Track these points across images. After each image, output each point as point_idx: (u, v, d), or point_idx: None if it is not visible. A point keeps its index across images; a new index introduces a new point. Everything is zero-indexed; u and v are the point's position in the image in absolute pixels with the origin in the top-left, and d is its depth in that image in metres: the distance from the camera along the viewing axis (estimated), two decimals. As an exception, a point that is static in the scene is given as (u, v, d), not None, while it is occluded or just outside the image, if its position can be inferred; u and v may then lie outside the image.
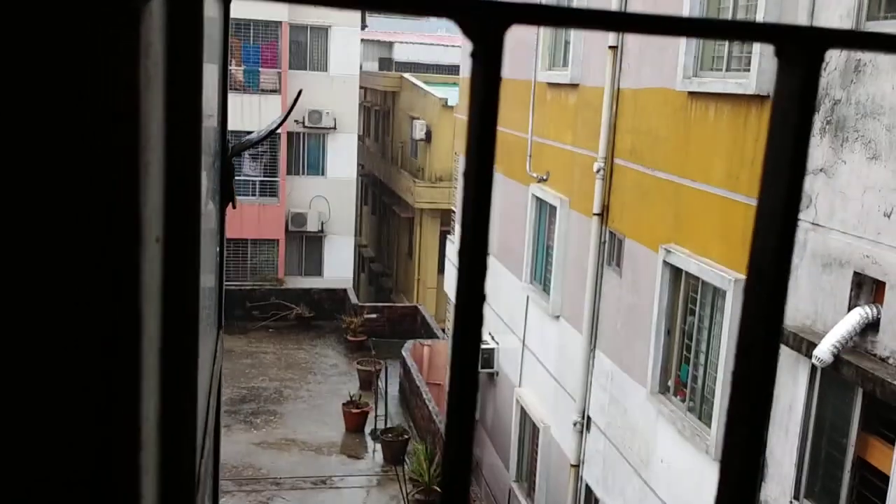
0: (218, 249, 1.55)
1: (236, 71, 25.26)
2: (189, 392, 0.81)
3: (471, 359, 0.56)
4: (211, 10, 1.24)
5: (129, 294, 0.48)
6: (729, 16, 7.95)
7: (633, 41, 9.76)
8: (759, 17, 7.17)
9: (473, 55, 0.51)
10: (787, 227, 0.55)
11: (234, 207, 1.64)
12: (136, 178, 0.48)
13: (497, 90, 0.51)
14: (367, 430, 17.52)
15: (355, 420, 17.49)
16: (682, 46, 8.39)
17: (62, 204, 0.47)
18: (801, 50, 0.53)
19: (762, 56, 7.14)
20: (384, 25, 43.69)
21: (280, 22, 25.22)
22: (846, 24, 6.20)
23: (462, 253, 0.49)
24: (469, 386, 0.53)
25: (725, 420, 0.60)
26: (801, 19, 6.61)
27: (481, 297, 0.53)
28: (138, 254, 0.48)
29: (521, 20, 0.50)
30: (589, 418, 10.74)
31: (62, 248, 0.47)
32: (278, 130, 25.19)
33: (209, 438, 1.22)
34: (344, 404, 17.75)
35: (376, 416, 17.41)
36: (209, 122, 1.40)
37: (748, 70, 7.45)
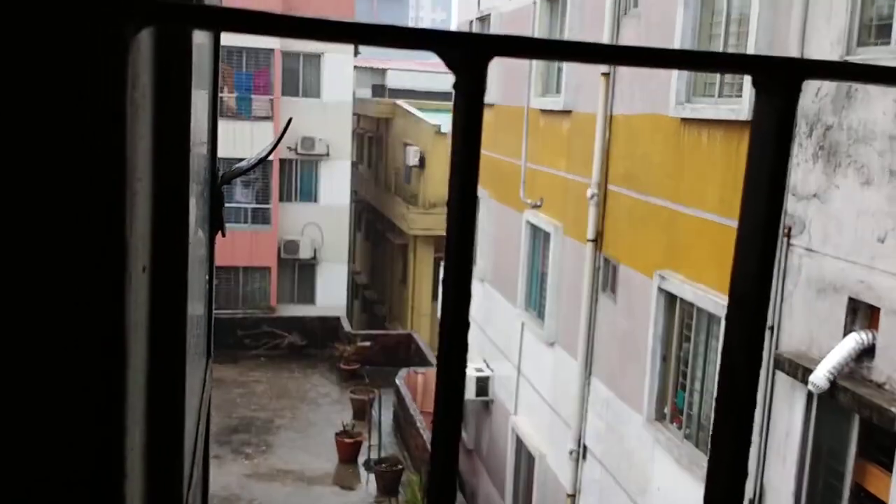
0: (207, 277, 1.55)
1: (228, 98, 25.37)
2: (176, 423, 0.80)
3: (456, 384, 0.56)
4: (200, 37, 1.25)
5: (113, 324, 0.48)
6: (721, 42, 8.04)
7: (626, 68, 9.85)
8: (751, 43, 7.25)
9: (456, 87, 0.52)
10: (765, 253, 0.56)
11: (223, 236, 1.64)
12: (122, 207, 0.48)
13: (479, 121, 0.51)
14: (361, 460, 17.37)
15: (348, 450, 17.34)
16: (675, 73, 8.47)
17: (47, 233, 0.47)
18: (778, 81, 0.54)
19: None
20: (377, 52, 44.01)
21: (273, 49, 25.39)
22: (836, 50, 6.27)
23: (446, 283, 0.50)
24: (454, 412, 0.53)
25: (710, 443, 0.60)
26: (792, 45, 6.69)
27: (465, 324, 0.53)
28: (124, 284, 0.48)
29: (501, 52, 0.51)
30: (585, 446, 10.68)
31: (46, 278, 0.48)
32: (270, 157, 25.26)
33: (197, 468, 1.21)
34: (337, 434, 17.61)
35: (370, 446, 17.27)
36: (199, 149, 1.40)
37: (740, 96, 7.52)
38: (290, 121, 3.06)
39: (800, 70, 0.55)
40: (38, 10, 0.45)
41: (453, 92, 0.52)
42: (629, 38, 9.73)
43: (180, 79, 0.68)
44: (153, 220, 0.69)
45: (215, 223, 1.52)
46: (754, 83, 0.57)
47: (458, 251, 0.50)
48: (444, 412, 0.56)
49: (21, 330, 0.48)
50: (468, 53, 0.50)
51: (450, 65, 0.51)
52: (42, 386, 0.48)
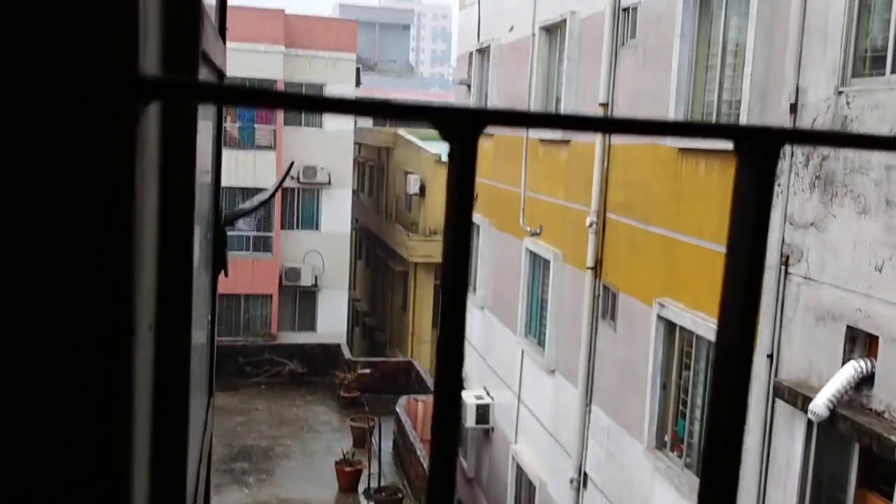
0: (209, 317, 1.57)
1: (232, 128, 25.53)
2: (178, 478, 0.82)
3: (453, 412, 0.58)
4: (206, 76, 1.29)
5: (119, 388, 0.50)
6: (717, 72, 8.11)
7: (623, 97, 9.93)
8: (747, 73, 7.32)
9: (450, 156, 0.54)
10: (748, 313, 0.58)
11: (226, 276, 1.66)
12: (130, 272, 0.51)
13: (472, 188, 0.54)
14: (361, 488, 17.24)
15: (348, 478, 17.23)
16: (672, 102, 8.55)
17: (58, 299, 0.50)
18: (758, 147, 0.57)
19: (750, 112, 7.28)
20: (378, 83, 44.36)
21: (276, 80, 25.60)
22: (832, 81, 6.33)
23: (439, 348, 0.52)
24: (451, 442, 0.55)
25: (700, 471, 0.62)
26: (788, 76, 6.75)
27: (459, 386, 0.55)
28: (131, 346, 0.50)
29: (493, 122, 0.53)
30: (585, 475, 10.62)
31: (55, 339, 0.50)
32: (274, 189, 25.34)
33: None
34: (337, 462, 17.50)
35: (370, 474, 17.15)
36: (203, 191, 1.43)
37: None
38: (291, 164, 3.10)
39: (779, 137, 0.58)
40: (53, 84, 0.48)
41: (447, 160, 0.55)
42: (627, 67, 9.83)
43: (186, 143, 0.70)
44: (158, 278, 0.71)
45: (218, 263, 1.55)
46: (735, 149, 0.59)
47: (451, 318, 0.52)
48: (441, 438, 0.58)
49: (28, 391, 0.50)
50: (461, 125, 0.53)
51: (444, 135, 0.54)
52: (43, 452, 0.49)
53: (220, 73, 1.51)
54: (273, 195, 3.01)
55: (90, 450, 0.48)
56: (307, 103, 0.51)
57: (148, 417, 0.65)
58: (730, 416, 0.59)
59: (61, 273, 0.49)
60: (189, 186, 0.71)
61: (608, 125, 0.53)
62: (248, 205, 2.55)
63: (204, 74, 1.04)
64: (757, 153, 0.57)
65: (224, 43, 1.55)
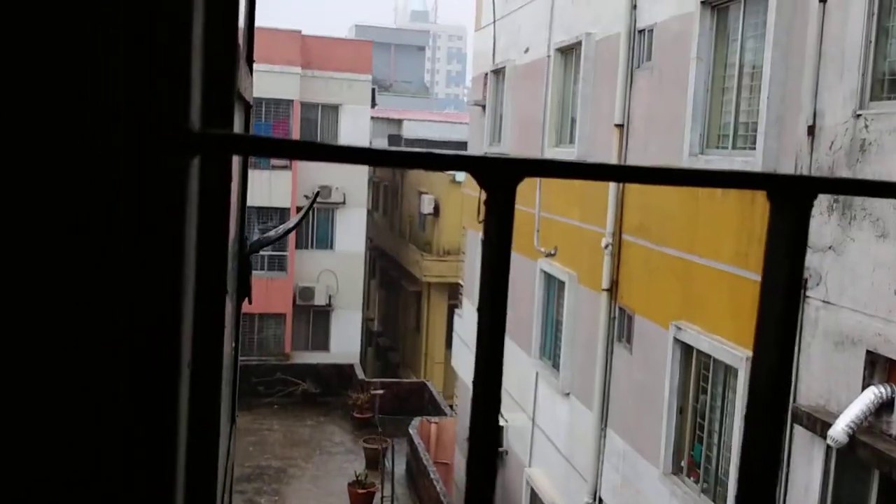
0: (234, 345, 1.58)
1: (248, 148, 25.73)
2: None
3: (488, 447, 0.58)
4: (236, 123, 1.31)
5: (166, 425, 0.51)
6: (733, 95, 8.11)
7: (639, 120, 9.94)
8: (763, 98, 7.32)
9: (487, 204, 0.55)
10: (783, 362, 0.58)
11: (250, 303, 1.67)
12: (179, 310, 0.52)
13: (510, 235, 0.55)
14: (374, 509, 17.15)
15: (361, 501, 17.15)
16: (689, 124, 8.55)
17: (111, 338, 0.51)
18: (791, 197, 0.57)
19: (767, 135, 7.26)
20: (394, 103, 44.63)
21: (291, 101, 25.81)
22: (849, 104, 6.32)
23: (474, 403, 0.52)
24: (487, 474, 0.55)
25: (735, 492, 0.62)
26: (805, 100, 6.74)
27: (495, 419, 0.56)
28: (178, 383, 0.51)
29: (529, 173, 0.54)
30: (601, 500, 10.52)
31: (107, 381, 0.51)
32: (288, 206, 25.50)
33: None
34: (350, 484, 17.44)
35: (382, 497, 17.07)
36: (230, 222, 1.45)
37: (754, 148, 7.57)
38: (317, 193, 3.13)
39: (812, 186, 0.58)
40: (110, 142, 0.49)
41: (485, 207, 0.56)
42: (642, 89, 9.85)
43: (223, 191, 0.72)
44: (195, 317, 0.72)
45: (243, 291, 1.56)
46: (769, 197, 0.60)
47: (487, 368, 0.52)
48: (477, 469, 0.58)
49: (77, 427, 0.51)
50: (499, 175, 0.54)
51: (482, 184, 0.55)
52: (88, 484, 0.50)
53: (248, 105, 1.54)
54: (298, 224, 3.05)
55: (139, 495, 0.49)
56: (344, 153, 0.52)
57: (183, 456, 0.66)
58: (763, 469, 0.59)
59: (117, 321, 0.50)
60: (223, 231, 0.73)
61: (639, 174, 0.54)
62: (272, 234, 2.57)
63: (236, 112, 1.06)
64: (790, 203, 0.58)
65: (252, 72, 1.58)
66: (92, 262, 0.48)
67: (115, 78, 0.46)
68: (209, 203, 0.69)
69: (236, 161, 1.43)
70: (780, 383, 0.58)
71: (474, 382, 0.56)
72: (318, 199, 26.35)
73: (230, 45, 0.74)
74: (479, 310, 0.56)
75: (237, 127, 1.28)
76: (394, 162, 0.53)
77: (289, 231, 2.83)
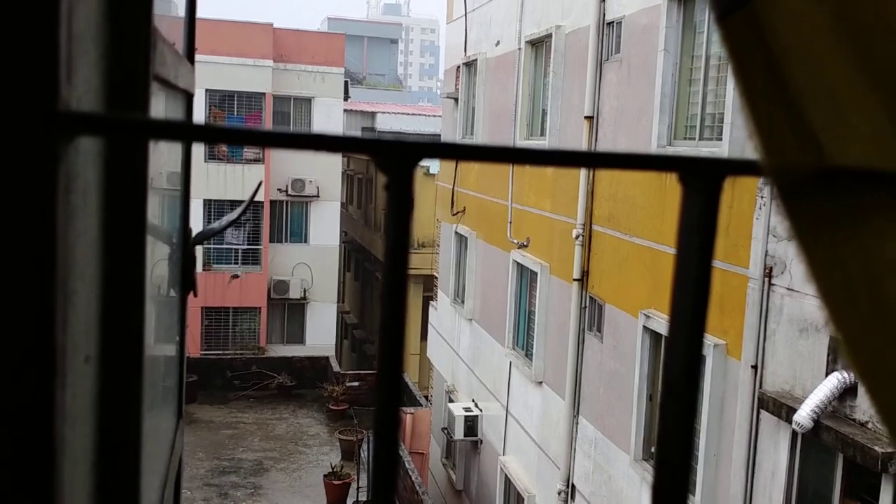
0: (178, 339, 1.55)
1: (220, 141, 25.48)
2: None
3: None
4: (170, 111, 1.28)
5: (42, 425, 0.49)
6: (700, 86, 8.16)
7: (608, 111, 9.98)
8: (729, 89, 7.37)
9: (387, 187, 0.54)
10: (692, 348, 0.58)
11: (195, 296, 1.65)
12: (52, 308, 0.50)
13: (409, 216, 0.53)
14: (350, 501, 17.15)
15: (337, 492, 17.14)
16: (657, 115, 8.59)
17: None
18: (702, 178, 0.57)
19: (733, 125, 7.32)
20: (367, 96, 44.45)
21: (264, 93, 25.60)
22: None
23: (377, 391, 0.51)
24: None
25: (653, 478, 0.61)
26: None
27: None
28: (53, 389, 0.49)
29: (427, 155, 0.53)
30: (573, 486, 10.60)
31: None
32: (261, 200, 25.33)
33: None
34: (325, 476, 17.42)
35: (358, 488, 17.08)
36: (168, 211, 1.42)
37: (720, 139, 7.63)
38: (260, 183, 3.10)
39: (721, 167, 0.57)
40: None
41: (385, 191, 0.55)
42: (611, 82, 9.88)
43: (134, 175, 0.69)
44: (102, 309, 0.70)
45: (187, 284, 1.53)
46: (680, 179, 0.59)
47: (388, 345, 0.51)
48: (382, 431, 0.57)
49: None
50: (397, 158, 0.52)
51: (381, 168, 0.54)
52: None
53: (188, 95, 1.51)
54: (241, 216, 3.02)
55: (9, 486, 0.47)
56: (235, 136, 0.50)
57: (89, 455, 0.64)
58: (675, 453, 0.58)
59: None
60: (136, 219, 0.70)
61: (545, 157, 0.53)
62: (216, 225, 2.54)
63: (162, 98, 1.03)
64: (700, 184, 0.57)
65: (192, 63, 1.55)
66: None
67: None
68: (118, 191, 0.66)
69: (174, 149, 1.40)
70: (690, 367, 0.57)
71: (377, 373, 0.55)
72: (293, 193, 26.19)
73: (140, 26, 0.71)
74: (382, 290, 0.55)
75: (173, 111, 1.26)
76: (291, 144, 0.51)
77: (232, 222, 2.81)
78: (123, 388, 0.69)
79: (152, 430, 1.08)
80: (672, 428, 0.59)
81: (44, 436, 0.46)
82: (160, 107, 1.01)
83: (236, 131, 0.52)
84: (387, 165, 0.52)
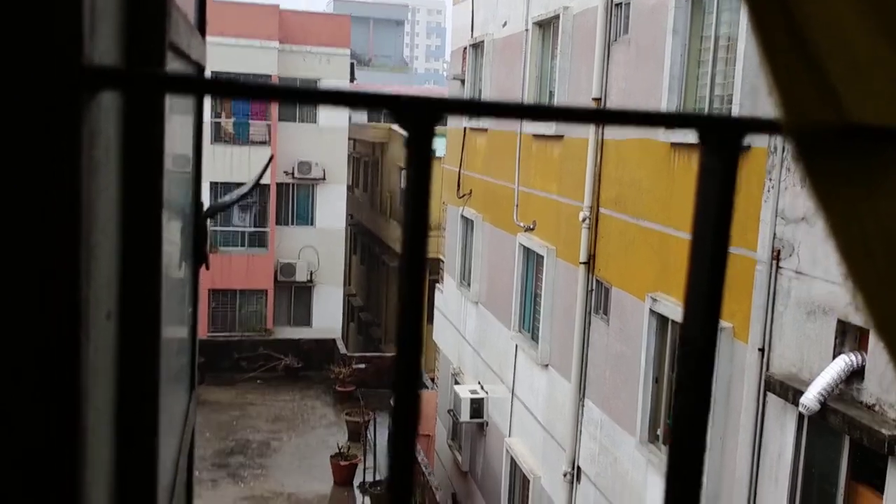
0: (191, 310, 1.56)
1: (226, 123, 25.48)
2: (148, 477, 0.81)
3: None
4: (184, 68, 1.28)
5: (69, 374, 0.50)
6: (709, 67, 8.11)
7: (616, 93, 9.93)
8: (738, 70, 7.32)
9: (407, 144, 0.54)
10: (713, 298, 0.58)
11: (206, 268, 1.65)
12: (76, 266, 0.50)
13: (429, 173, 0.54)
14: (356, 482, 17.27)
15: (344, 472, 17.26)
16: (665, 96, 8.55)
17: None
18: (721, 136, 0.57)
19: (742, 106, 7.28)
20: (373, 78, 44.30)
21: (270, 75, 25.53)
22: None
23: (398, 341, 0.51)
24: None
25: (668, 446, 0.62)
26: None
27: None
28: (79, 335, 0.50)
29: (449, 111, 0.53)
30: (579, 468, 10.64)
31: None
32: (268, 182, 25.33)
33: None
34: (332, 456, 17.53)
35: (365, 469, 17.18)
36: (181, 184, 1.42)
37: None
38: (271, 157, 3.10)
39: (741, 127, 0.57)
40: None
41: (405, 148, 0.55)
42: (620, 62, 9.82)
43: (151, 130, 0.70)
44: (122, 265, 0.70)
45: (199, 257, 1.54)
46: (700, 139, 0.59)
47: (408, 309, 0.51)
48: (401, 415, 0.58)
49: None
50: (418, 114, 0.52)
51: (401, 124, 0.54)
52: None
53: (200, 67, 1.51)
54: (253, 188, 3.02)
55: (36, 429, 0.48)
56: (251, 91, 0.50)
57: (110, 406, 0.65)
58: (695, 397, 0.58)
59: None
60: (156, 176, 0.71)
61: (565, 115, 0.53)
62: (227, 198, 2.54)
63: (176, 68, 1.04)
64: (720, 143, 0.57)
65: (203, 37, 1.54)
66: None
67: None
68: (136, 144, 0.67)
69: (185, 119, 1.40)
70: (708, 332, 0.58)
71: (397, 322, 0.55)
72: (299, 176, 26.17)
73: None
74: (401, 249, 0.55)
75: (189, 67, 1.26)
76: (308, 99, 0.51)
77: (243, 195, 2.82)
78: (142, 344, 0.70)
79: (167, 397, 1.09)
80: (691, 380, 0.59)
81: (70, 383, 0.47)
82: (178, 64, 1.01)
83: (252, 86, 0.52)
84: (407, 122, 0.52)
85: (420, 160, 0.53)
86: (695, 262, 0.60)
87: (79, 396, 0.46)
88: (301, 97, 0.52)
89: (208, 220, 1.70)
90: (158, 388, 0.74)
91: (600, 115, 0.56)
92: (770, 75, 0.53)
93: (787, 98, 0.53)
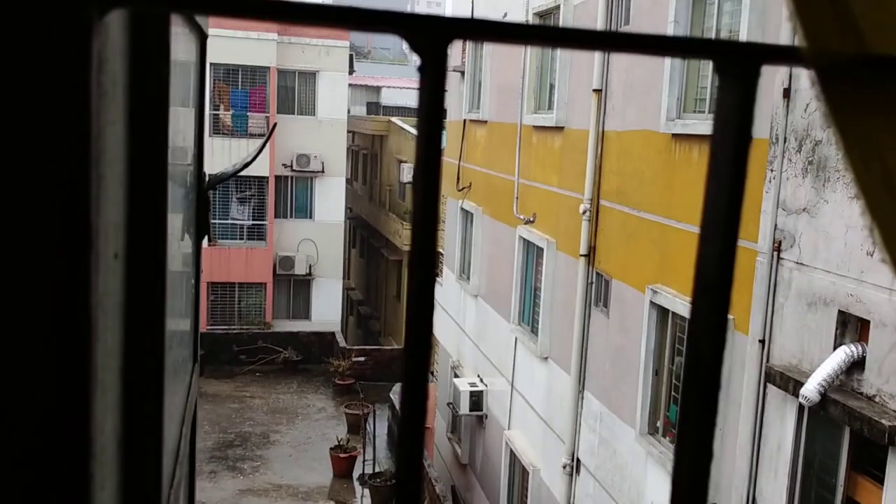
0: (193, 282, 1.55)
1: (225, 115, 25.42)
2: (154, 413, 0.80)
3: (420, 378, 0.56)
4: (187, 40, 1.26)
5: (78, 304, 0.49)
6: (710, 65, 8.08)
7: (617, 84, 9.91)
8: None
9: (420, 69, 0.53)
10: (728, 237, 0.57)
11: (209, 241, 1.64)
12: (87, 188, 0.49)
13: (441, 100, 0.52)
14: (356, 474, 17.29)
15: (343, 465, 17.27)
16: (665, 89, 8.53)
17: (6, 213, 0.48)
18: (739, 65, 0.55)
19: (743, 98, 7.26)
20: (372, 70, 44.20)
21: (268, 67, 25.48)
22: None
23: (411, 265, 0.50)
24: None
25: (676, 432, 0.60)
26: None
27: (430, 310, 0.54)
28: (89, 266, 0.49)
29: (463, 35, 0.52)
30: (578, 460, 10.65)
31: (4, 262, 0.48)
32: (266, 175, 25.29)
33: (182, 468, 1.21)
34: (332, 449, 17.54)
35: (364, 461, 17.20)
36: (184, 154, 1.41)
37: (729, 112, 7.56)
38: (274, 125, 3.09)
39: (759, 54, 0.56)
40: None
41: (418, 73, 0.54)
42: (621, 54, 9.79)
43: (157, 67, 0.69)
44: (128, 207, 0.69)
45: (202, 228, 1.53)
46: (716, 68, 0.58)
47: (422, 238, 0.50)
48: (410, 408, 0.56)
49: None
50: (431, 36, 0.51)
51: (413, 47, 0.53)
52: None
53: (203, 35, 1.49)
54: (255, 158, 3.01)
55: (44, 374, 0.47)
56: (256, 8, 0.49)
57: (117, 344, 0.64)
58: (707, 363, 0.57)
59: (8, 199, 0.48)
60: (163, 108, 0.70)
61: (582, 39, 0.52)
62: (229, 169, 2.53)
63: (180, 33, 1.02)
64: (738, 72, 0.56)
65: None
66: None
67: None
68: (142, 70, 0.65)
69: (188, 119, 1.39)
70: (723, 276, 0.56)
71: (409, 266, 0.54)
72: (297, 168, 26.14)
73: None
74: (413, 185, 0.54)
75: (187, 50, 1.25)
76: (313, 19, 0.50)
77: (246, 165, 2.81)
78: (148, 287, 0.69)
79: (171, 365, 1.08)
80: (705, 328, 0.58)
81: (81, 311, 0.46)
82: (188, 45, 1.00)
83: (257, 4, 0.51)
84: (420, 44, 0.51)
85: (433, 86, 0.51)
86: (710, 199, 0.59)
87: (88, 331, 0.45)
88: (307, 17, 0.51)
89: (210, 192, 1.70)
90: (164, 337, 0.73)
91: (611, 39, 0.55)
92: (792, 2, 0.52)
93: (808, 25, 0.52)
